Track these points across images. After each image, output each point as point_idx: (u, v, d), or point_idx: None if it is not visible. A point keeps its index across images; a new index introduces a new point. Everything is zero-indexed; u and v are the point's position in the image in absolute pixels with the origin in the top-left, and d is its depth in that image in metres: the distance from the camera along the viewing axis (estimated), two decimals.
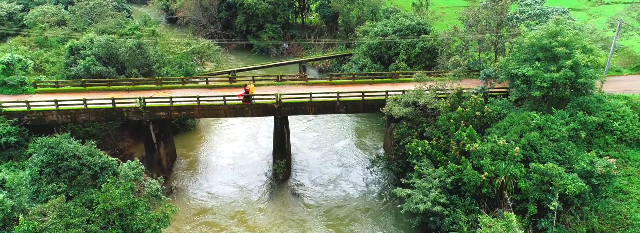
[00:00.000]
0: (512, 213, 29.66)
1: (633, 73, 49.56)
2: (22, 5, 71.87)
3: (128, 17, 78.51)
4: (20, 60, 47.60)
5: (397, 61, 55.40)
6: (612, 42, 44.09)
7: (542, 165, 32.53)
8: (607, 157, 33.98)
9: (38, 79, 49.56)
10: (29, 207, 28.19)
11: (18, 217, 27.28)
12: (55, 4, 73.78)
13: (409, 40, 54.77)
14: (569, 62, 35.71)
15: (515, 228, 28.00)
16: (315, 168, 49.30)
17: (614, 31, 43.99)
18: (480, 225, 30.58)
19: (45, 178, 30.71)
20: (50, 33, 63.28)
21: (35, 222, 26.33)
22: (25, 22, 66.96)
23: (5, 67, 45.91)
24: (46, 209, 27.39)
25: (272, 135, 48.12)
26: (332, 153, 52.13)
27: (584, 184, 31.50)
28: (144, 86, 47.94)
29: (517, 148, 33.89)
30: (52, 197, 29.15)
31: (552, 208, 30.84)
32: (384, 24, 59.33)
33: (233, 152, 52.23)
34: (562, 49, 36.18)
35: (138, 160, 34.22)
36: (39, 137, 37.73)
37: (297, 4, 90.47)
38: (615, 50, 54.29)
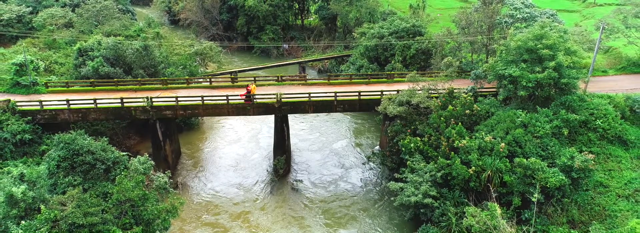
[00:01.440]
0: (496, 204, 31.81)
1: (618, 73, 51.52)
2: (30, 8, 73.91)
3: (132, 19, 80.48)
4: (32, 61, 49.75)
5: (393, 62, 57.12)
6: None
7: (525, 160, 34.64)
8: (586, 152, 36.01)
9: (49, 80, 51.61)
10: (49, 198, 30.43)
11: (39, 207, 29.58)
12: (62, 7, 75.61)
13: (404, 42, 56.75)
14: (552, 64, 37.83)
15: (498, 217, 30.18)
16: (315, 169, 51.03)
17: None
18: (466, 215, 32.78)
19: (62, 172, 32.92)
20: (58, 35, 65.29)
21: (56, 211, 28.63)
22: (34, 24, 68.99)
23: (18, 68, 48.04)
24: (65, 199, 29.66)
25: (273, 135, 50.12)
26: (332, 154, 53.73)
27: (564, 177, 33.60)
28: (150, 86, 50.00)
29: (503, 144, 35.96)
30: (69, 189, 31.40)
31: (533, 199, 32.98)
32: (380, 26, 61.11)
33: (236, 154, 53.80)
34: (546, 51, 38.31)
35: (147, 155, 36.46)
36: (51, 135, 39.88)
37: (297, 6, 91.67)
38: (604, 51, 56.33)
